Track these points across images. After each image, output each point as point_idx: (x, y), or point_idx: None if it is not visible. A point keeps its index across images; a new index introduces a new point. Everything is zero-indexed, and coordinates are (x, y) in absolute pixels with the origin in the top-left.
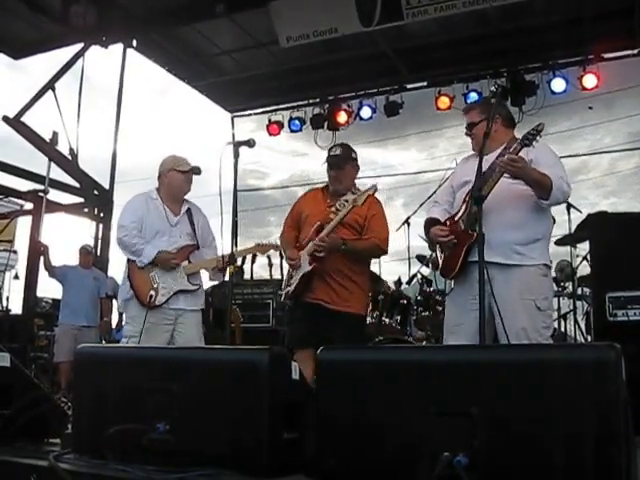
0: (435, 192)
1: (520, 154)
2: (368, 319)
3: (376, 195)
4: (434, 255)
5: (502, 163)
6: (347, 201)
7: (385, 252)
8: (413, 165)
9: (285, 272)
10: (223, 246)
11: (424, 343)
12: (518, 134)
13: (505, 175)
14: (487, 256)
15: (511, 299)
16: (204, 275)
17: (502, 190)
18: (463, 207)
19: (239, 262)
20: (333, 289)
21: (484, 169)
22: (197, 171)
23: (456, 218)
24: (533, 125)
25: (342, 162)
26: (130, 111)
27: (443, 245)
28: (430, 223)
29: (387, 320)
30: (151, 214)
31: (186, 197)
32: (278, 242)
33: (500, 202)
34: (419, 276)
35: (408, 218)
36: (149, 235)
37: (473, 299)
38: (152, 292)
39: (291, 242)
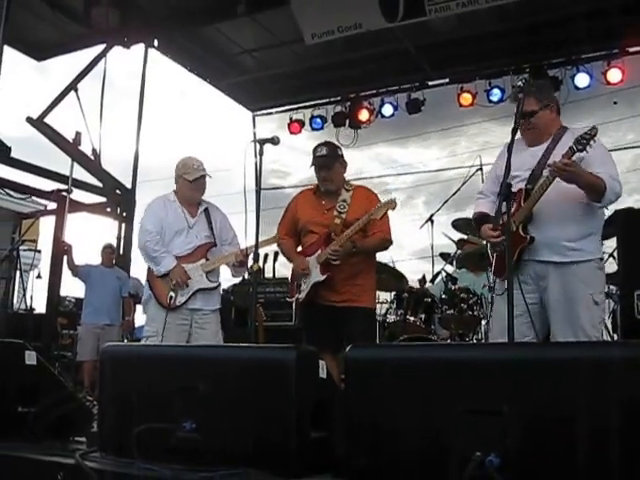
0: (459, 189)
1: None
2: (393, 317)
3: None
4: (459, 253)
5: (555, 167)
6: (344, 201)
7: (391, 242)
8: (434, 163)
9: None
10: (247, 243)
11: (449, 342)
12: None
13: None
14: (543, 256)
15: (569, 295)
16: (226, 273)
17: (552, 189)
18: (515, 205)
19: (260, 262)
20: (343, 291)
21: (533, 165)
22: (205, 177)
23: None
24: (586, 129)
25: (330, 161)
26: (152, 111)
27: (495, 245)
28: (479, 218)
29: (411, 319)
30: (170, 216)
31: (204, 198)
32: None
33: (551, 201)
34: (443, 274)
35: (431, 216)
36: (169, 236)
37: (527, 294)
38: (172, 293)
39: (293, 249)
